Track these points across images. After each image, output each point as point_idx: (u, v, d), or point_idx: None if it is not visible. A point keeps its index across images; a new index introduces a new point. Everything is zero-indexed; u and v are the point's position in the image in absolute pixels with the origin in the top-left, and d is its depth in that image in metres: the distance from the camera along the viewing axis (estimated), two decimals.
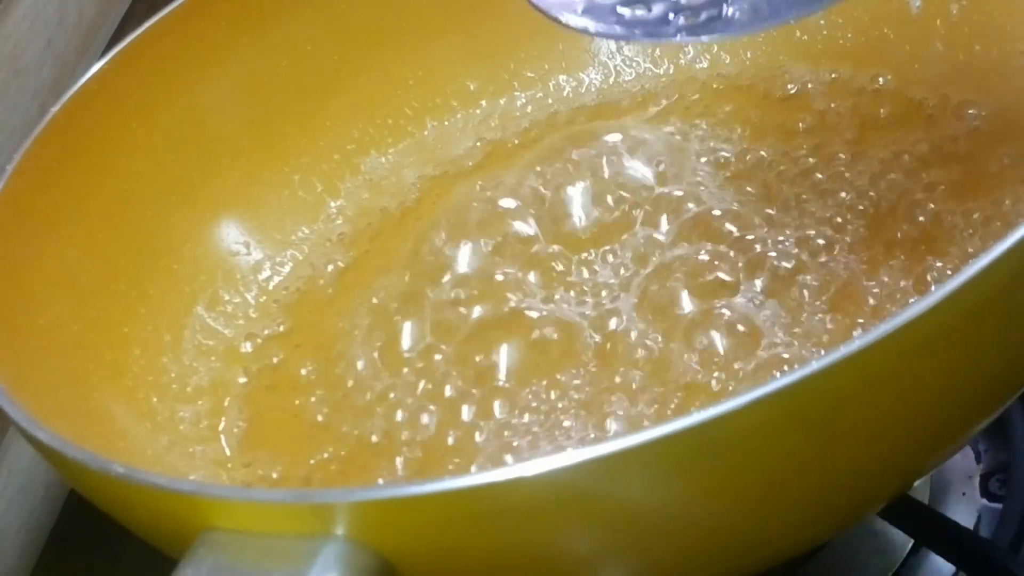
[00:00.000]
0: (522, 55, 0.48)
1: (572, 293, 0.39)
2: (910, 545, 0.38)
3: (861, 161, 0.40)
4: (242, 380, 0.40)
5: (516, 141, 0.47)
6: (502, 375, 0.36)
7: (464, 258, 0.40)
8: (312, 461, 0.37)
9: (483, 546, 0.25)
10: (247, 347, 0.41)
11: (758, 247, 0.37)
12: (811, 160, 0.41)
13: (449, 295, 0.39)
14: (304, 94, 0.46)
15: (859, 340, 0.23)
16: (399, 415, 0.37)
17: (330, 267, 0.44)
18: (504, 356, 0.37)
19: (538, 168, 0.42)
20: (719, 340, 0.35)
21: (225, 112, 0.45)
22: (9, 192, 0.37)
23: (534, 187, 0.42)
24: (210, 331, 0.41)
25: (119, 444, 0.36)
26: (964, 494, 0.40)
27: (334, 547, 0.24)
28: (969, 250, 0.36)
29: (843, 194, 0.39)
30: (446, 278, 0.40)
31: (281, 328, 0.42)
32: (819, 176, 0.40)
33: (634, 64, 0.48)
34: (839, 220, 0.38)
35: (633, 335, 0.36)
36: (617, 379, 0.35)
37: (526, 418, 0.35)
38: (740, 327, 0.35)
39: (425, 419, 0.36)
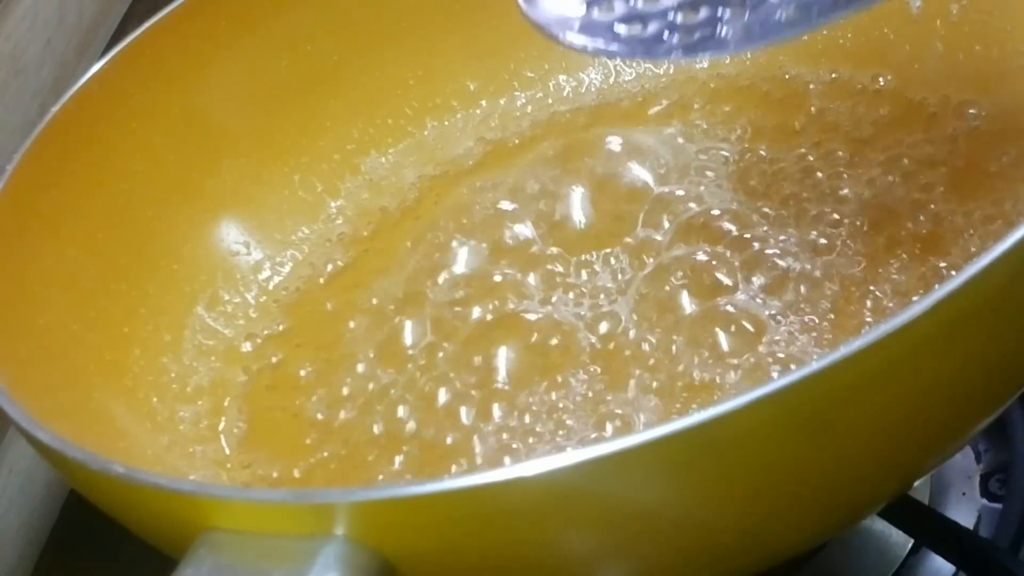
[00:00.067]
0: (522, 55, 0.48)
1: (571, 295, 0.39)
2: (910, 545, 0.38)
3: (861, 161, 0.40)
4: (242, 380, 0.40)
5: (516, 141, 0.47)
6: (501, 376, 0.36)
7: (463, 259, 0.40)
8: (312, 461, 0.37)
9: (483, 546, 0.25)
10: (247, 347, 0.41)
11: (757, 246, 0.37)
12: (811, 160, 0.41)
13: (448, 295, 0.39)
14: (304, 94, 0.46)
15: (859, 340, 0.23)
16: (399, 415, 0.37)
17: (330, 267, 0.44)
18: (503, 357, 0.37)
19: (538, 169, 0.42)
20: (719, 340, 0.35)
21: (225, 112, 0.45)
22: (9, 192, 0.37)
23: (534, 188, 0.42)
24: (210, 331, 0.41)
25: (119, 444, 0.36)
26: (964, 494, 0.40)
27: (334, 547, 0.24)
28: (971, 250, 0.36)
29: (843, 194, 0.39)
30: (445, 278, 0.40)
31: (281, 328, 0.42)
32: (819, 176, 0.40)
33: (634, 64, 0.48)
34: (839, 220, 0.38)
35: (632, 335, 0.36)
36: (616, 380, 0.35)
37: (526, 419, 0.35)
38: (739, 327, 0.35)
39: (425, 419, 0.36)
